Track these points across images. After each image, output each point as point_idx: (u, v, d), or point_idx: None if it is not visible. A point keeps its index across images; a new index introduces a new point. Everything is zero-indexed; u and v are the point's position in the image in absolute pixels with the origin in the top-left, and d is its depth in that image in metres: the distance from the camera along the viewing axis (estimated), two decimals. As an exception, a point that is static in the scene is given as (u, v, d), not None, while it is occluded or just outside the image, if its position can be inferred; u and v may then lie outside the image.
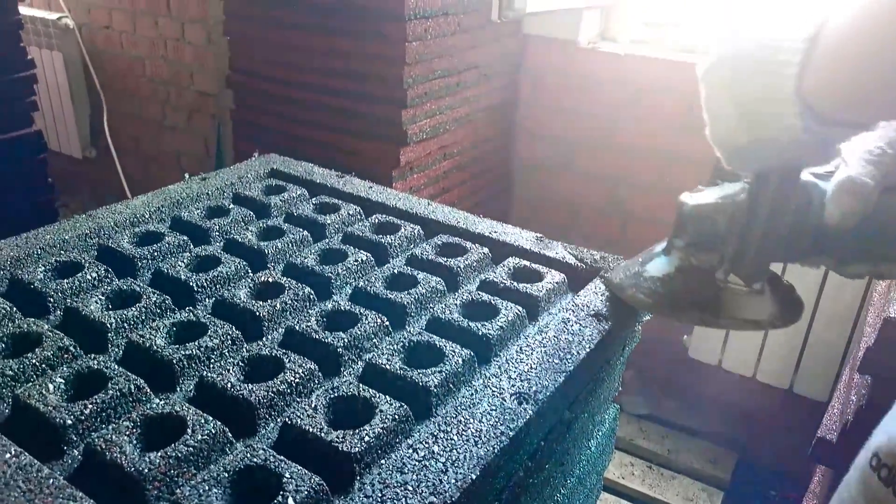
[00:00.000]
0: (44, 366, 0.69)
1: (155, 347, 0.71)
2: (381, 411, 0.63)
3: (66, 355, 0.70)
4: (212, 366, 0.71)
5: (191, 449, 0.59)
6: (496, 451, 0.61)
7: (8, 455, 0.57)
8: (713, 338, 1.95)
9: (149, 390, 0.66)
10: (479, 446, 0.61)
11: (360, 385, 0.67)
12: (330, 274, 0.87)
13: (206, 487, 0.55)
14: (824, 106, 0.54)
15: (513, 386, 0.69)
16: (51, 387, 0.65)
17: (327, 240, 0.97)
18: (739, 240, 0.68)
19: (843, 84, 0.52)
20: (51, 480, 0.54)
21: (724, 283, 0.70)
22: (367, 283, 0.85)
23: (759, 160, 0.61)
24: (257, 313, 0.78)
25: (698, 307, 0.73)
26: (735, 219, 0.69)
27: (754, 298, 0.70)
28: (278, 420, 0.65)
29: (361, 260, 0.91)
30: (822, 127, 0.55)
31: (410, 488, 0.56)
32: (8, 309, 0.76)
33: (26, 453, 0.57)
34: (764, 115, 0.56)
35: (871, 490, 0.60)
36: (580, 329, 0.78)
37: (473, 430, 0.63)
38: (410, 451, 0.60)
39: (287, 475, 0.56)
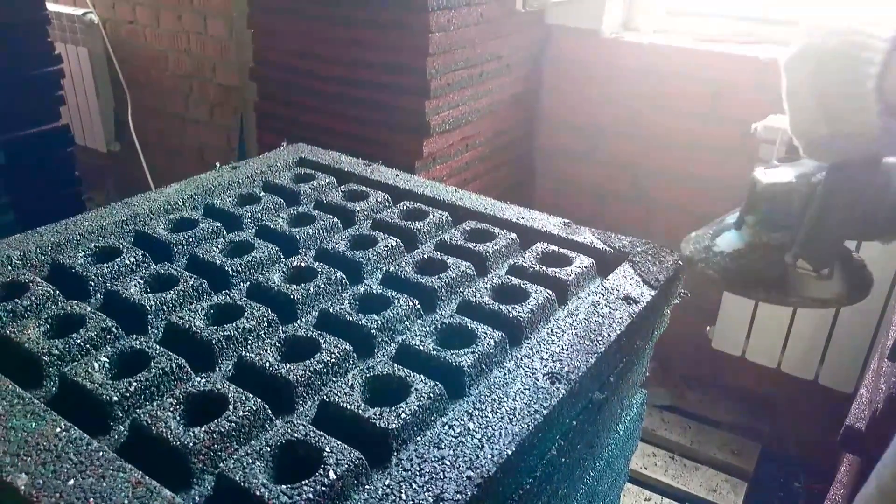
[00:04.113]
0: (88, 346, 0.71)
1: (194, 329, 0.73)
2: (416, 390, 0.65)
3: (108, 336, 0.72)
4: (249, 346, 0.73)
5: (233, 424, 0.60)
6: (531, 428, 0.62)
7: (58, 429, 0.59)
8: (737, 329, 1.94)
9: (189, 369, 0.68)
10: (514, 423, 0.62)
11: (395, 365, 0.68)
12: (361, 259, 0.88)
13: (250, 461, 0.56)
14: None
15: (545, 366, 0.69)
16: (96, 365, 0.66)
17: (357, 226, 0.98)
18: (811, 227, 0.68)
19: None
20: (100, 453, 0.56)
21: (793, 266, 0.70)
22: (397, 267, 0.86)
23: (838, 151, 0.62)
24: (291, 296, 0.80)
25: (765, 286, 0.73)
26: (809, 201, 0.68)
27: (822, 279, 0.70)
28: (315, 398, 0.67)
29: (391, 245, 0.92)
30: None
31: (448, 462, 0.57)
32: (51, 292, 0.78)
33: (76, 427, 0.59)
34: (844, 109, 0.58)
35: None
36: (610, 312, 0.79)
37: (508, 408, 0.64)
38: (446, 427, 0.61)
39: (328, 449, 0.57)
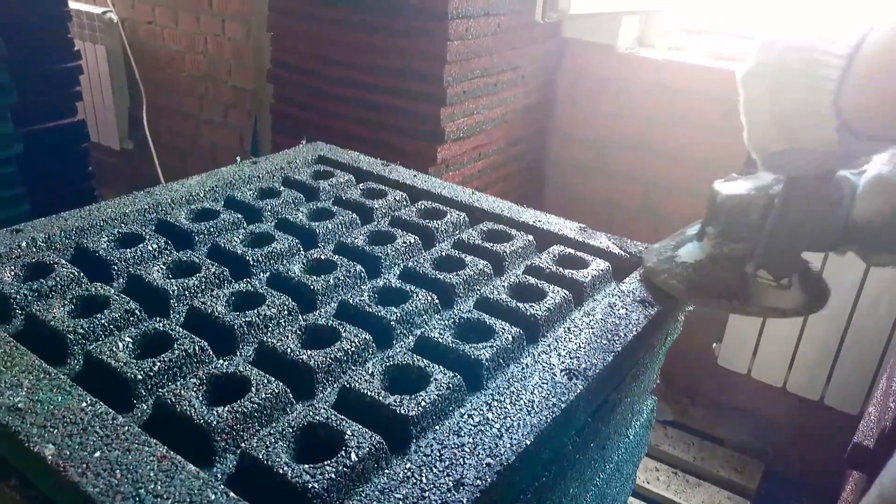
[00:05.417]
0: (112, 326, 0.71)
1: (216, 314, 0.73)
2: (435, 380, 0.65)
3: (132, 318, 0.73)
4: (270, 333, 0.74)
5: (255, 406, 0.61)
6: (548, 421, 0.62)
7: (84, 404, 0.59)
8: (743, 346, 1.95)
9: (212, 352, 0.69)
10: (532, 415, 0.62)
11: (415, 355, 0.69)
12: (379, 254, 0.89)
13: (273, 440, 0.57)
14: (861, 122, 0.55)
15: (562, 362, 0.70)
16: (120, 345, 0.67)
17: (375, 223, 0.99)
18: (769, 238, 0.70)
19: (880, 102, 0.54)
20: (126, 427, 0.57)
21: (754, 276, 0.72)
22: (415, 263, 0.87)
23: (793, 166, 0.63)
24: (312, 287, 0.80)
25: (727, 295, 0.75)
26: (767, 212, 0.70)
27: (782, 289, 0.73)
28: (335, 385, 0.67)
29: (410, 242, 0.93)
30: (857, 141, 0.56)
31: (468, 449, 0.58)
32: (76, 273, 0.79)
33: (101, 402, 0.60)
34: (801, 126, 0.58)
35: None
36: (627, 313, 0.80)
37: (526, 401, 0.64)
38: (466, 416, 0.62)
39: (349, 433, 0.58)
